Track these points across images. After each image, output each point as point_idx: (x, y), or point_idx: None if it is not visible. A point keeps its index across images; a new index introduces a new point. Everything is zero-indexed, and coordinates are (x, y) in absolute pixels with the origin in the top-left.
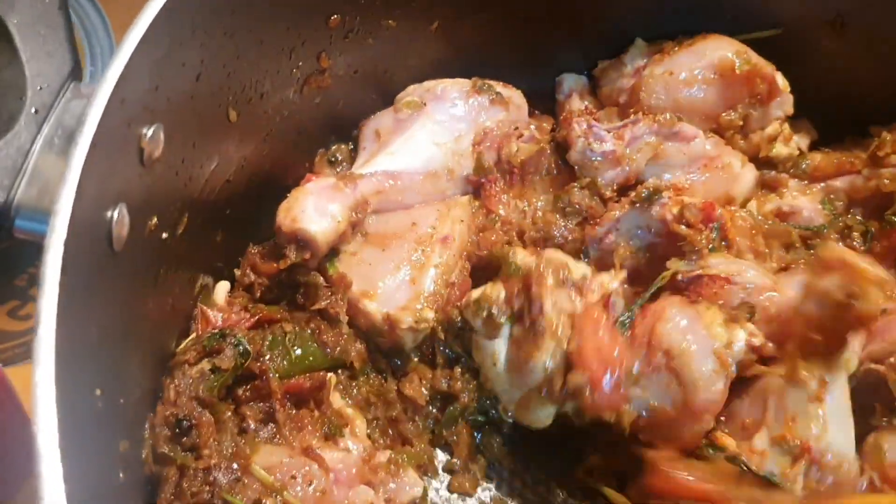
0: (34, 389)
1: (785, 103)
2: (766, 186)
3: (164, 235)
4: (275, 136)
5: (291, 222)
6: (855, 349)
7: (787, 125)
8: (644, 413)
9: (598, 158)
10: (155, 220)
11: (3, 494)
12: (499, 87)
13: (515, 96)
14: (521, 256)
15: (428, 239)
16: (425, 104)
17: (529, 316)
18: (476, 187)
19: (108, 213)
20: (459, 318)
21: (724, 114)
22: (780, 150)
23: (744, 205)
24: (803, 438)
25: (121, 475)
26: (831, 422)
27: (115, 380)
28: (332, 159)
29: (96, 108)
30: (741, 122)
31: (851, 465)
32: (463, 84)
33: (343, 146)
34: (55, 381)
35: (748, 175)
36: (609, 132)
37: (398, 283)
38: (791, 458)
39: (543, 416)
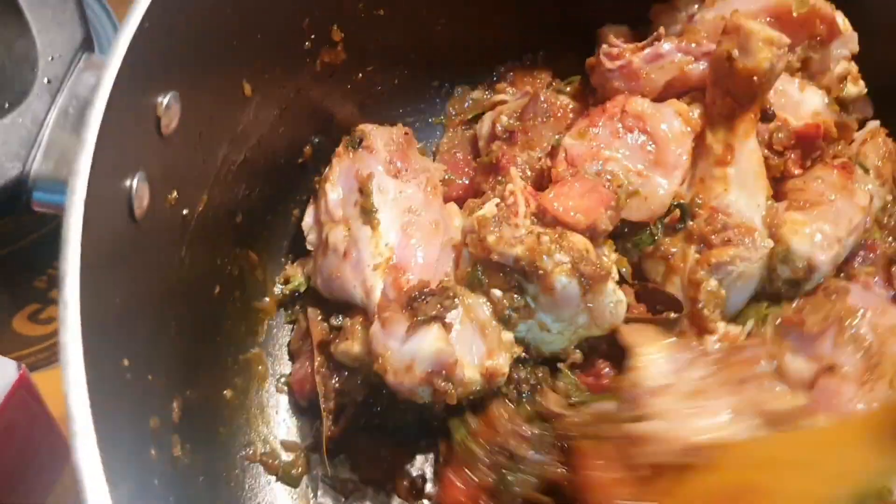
0: (62, 354)
1: (849, 42)
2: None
3: (185, 212)
4: (290, 112)
5: (409, 370)
6: (753, 115)
7: (853, 64)
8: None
9: (616, 79)
10: (175, 193)
11: (34, 499)
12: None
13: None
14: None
15: None
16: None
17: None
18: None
19: (128, 182)
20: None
21: None
22: (850, 89)
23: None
24: (706, 198)
25: (152, 452)
26: (734, 184)
27: (143, 353)
28: None
29: (109, 74)
30: (798, 65)
31: (753, 228)
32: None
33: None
34: (83, 349)
35: (813, 99)
36: (629, 50)
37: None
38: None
39: None
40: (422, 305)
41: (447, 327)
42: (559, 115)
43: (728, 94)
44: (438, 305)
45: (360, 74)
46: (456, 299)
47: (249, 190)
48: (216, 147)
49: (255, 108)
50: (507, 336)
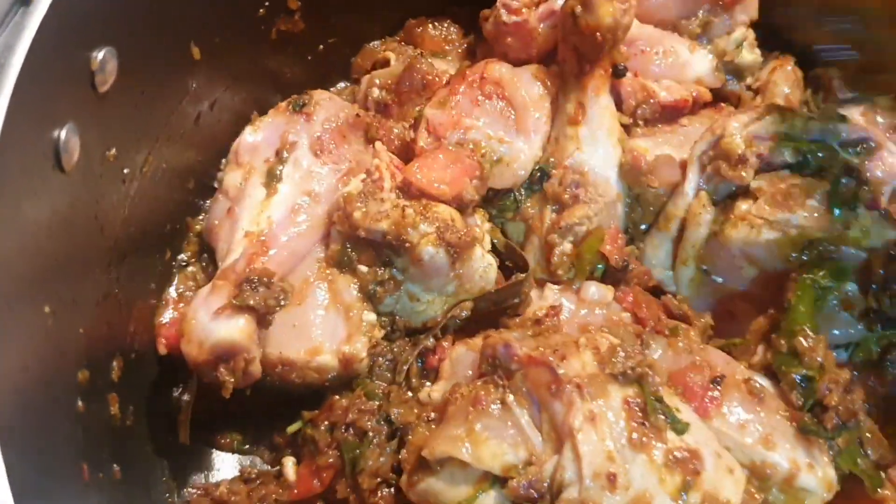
0: None
1: (749, 8)
2: (725, 99)
3: (126, 171)
4: (246, 81)
5: (200, 346)
6: (603, 71)
7: (751, 31)
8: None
9: (510, 35)
10: (114, 150)
11: None
12: (304, 98)
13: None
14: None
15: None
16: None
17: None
18: None
19: (55, 133)
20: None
21: (683, 20)
22: (745, 56)
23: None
24: (560, 158)
25: (80, 403)
26: (587, 142)
27: (70, 306)
28: None
29: (34, 20)
30: (699, 30)
31: (608, 185)
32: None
33: None
34: None
35: (700, 63)
36: (527, 5)
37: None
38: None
39: None
40: (248, 292)
41: (263, 323)
42: (435, 85)
43: (576, 52)
44: (264, 300)
45: (321, 46)
46: (283, 302)
47: (202, 156)
48: (161, 108)
49: (205, 72)
50: (370, 317)
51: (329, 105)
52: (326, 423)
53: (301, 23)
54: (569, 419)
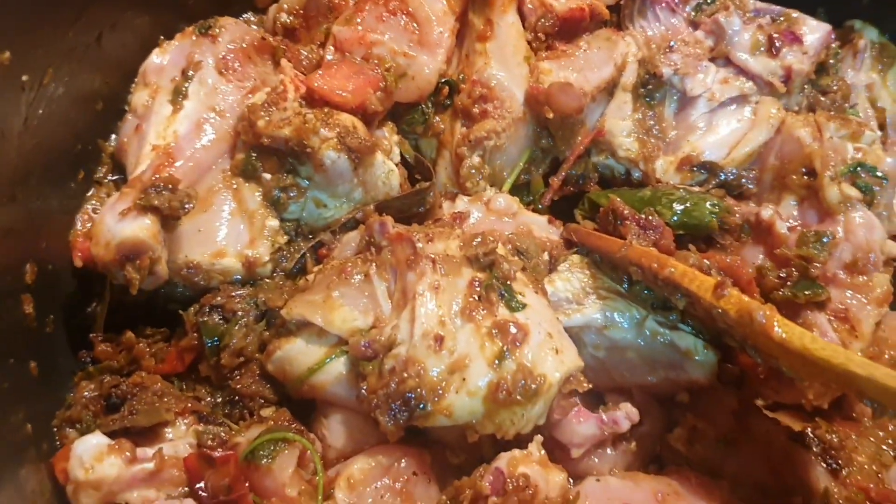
0: None
1: None
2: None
3: (25, 78)
4: (147, 3)
5: (107, 246)
6: None
7: None
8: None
9: None
10: (7, 53)
11: None
12: (210, 21)
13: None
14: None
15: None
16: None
17: None
18: None
19: None
20: None
21: None
22: None
23: None
24: (469, 73)
25: None
26: (495, 58)
27: None
28: None
29: None
30: None
31: (514, 101)
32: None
33: None
34: None
35: None
36: None
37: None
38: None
39: None
40: (153, 195)
41: (167, 225)
42: (342, 7)
43: None
44: (168, 202)
45: None
46: (187, 205)
47: (110, 79)
48: (56, 18)
49: None
50: (272, 223)
51: (235, 28)
52: (196, 306)
53: None
54: (415, 286)
